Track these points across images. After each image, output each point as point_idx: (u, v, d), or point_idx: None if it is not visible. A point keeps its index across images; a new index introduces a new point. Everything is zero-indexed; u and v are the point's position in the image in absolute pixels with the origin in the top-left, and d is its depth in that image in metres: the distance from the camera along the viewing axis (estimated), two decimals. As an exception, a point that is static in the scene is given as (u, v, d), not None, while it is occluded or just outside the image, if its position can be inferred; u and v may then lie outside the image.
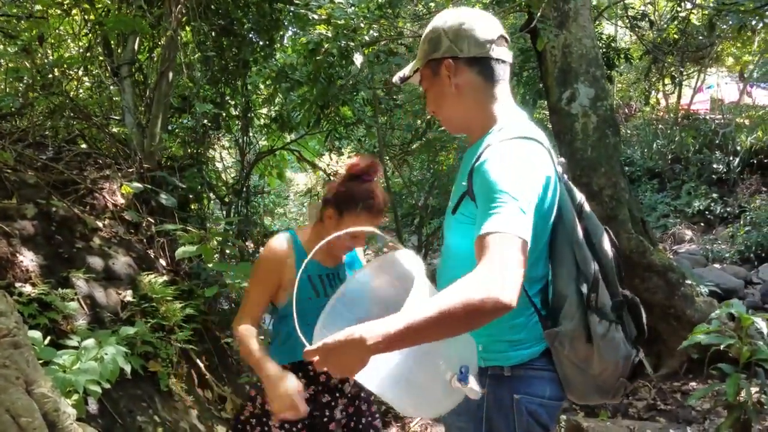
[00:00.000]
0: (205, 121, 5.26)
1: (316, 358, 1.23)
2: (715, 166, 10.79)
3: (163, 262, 3.97)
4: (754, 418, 3.00)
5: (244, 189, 6.37)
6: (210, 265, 3.61)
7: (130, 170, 4.18)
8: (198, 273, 4.03)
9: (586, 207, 1.57)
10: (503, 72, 1.54)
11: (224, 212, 6.13)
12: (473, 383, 1.31)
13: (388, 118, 7.31)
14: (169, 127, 5.33)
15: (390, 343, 1.16)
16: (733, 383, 2.95)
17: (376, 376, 1.28)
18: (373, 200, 1.99)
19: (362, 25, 4.85)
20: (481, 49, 1.50)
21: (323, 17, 4.84)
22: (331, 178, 7.57)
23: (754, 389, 3.04)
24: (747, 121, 11.92)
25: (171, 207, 4.14)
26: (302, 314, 1.92)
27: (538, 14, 4.44)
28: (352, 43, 4.69)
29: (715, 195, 10.28)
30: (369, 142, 8.00)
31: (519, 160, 1.37)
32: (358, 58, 4.65)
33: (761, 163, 10.65)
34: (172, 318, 3.30)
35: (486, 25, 1.52)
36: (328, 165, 8.66)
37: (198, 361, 3.59)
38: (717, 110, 13.03)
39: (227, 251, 4.75)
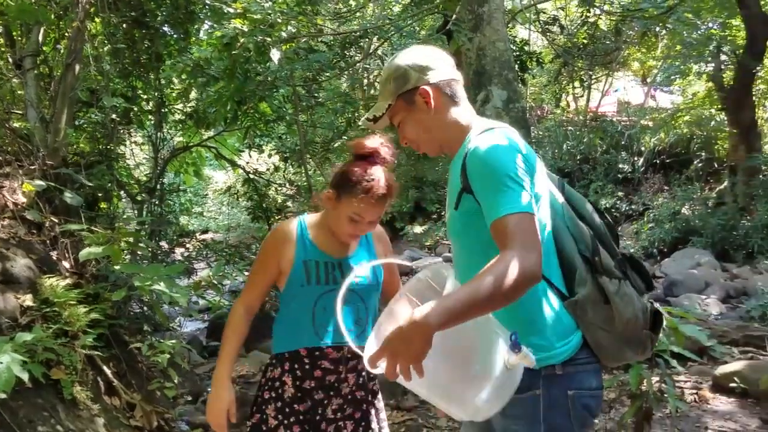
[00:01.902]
0: (114, 115, 5.04)
1: (380, 362, 1.30)
2: (621, 166, 11.36)
3: (66, 264, 3.78)
4: (655, 406, 3.19)
5: (158, 187, 6.16)
6: (118, 267, 3.45)
7: (33, 167, 3.96)
8: (105, 275, 3.86)
9: (566, 185, 1.75)
10: (461, 90, 1.72)
11: (136, 211, 5.90)
12: (525, 349, 1.32)
13: (309, 116, 7.26)
14: (76, 122, 5.08)
15: (451, 318, 1.28)
16: (635, 373, 3.10)
17: (427, 382, 1.30)
18: (372, 182, 1.85)
19: (279, 20, 4.79)
20: (443, 74, 1.68)
21: (239, 11, 4.75)
22: (251, 176, 7.44)
23: (655, 379, 3.22)
24: (651, 123, 12.60)
25: (77, 206, 3.94)
26: (297, 300, 1.93)
27: (454, 17, 4.53)
28: (268, 39, 4.62)
29: (620, 193, 10.83)
30: (291, 139, 7.93)
31: (503, 145, 1.52)
32: (275, 54, 4.59)
33: (664, 163, 11.32)
34: (77, 323, 3.14)
35: (440, 56, 1.73)
36: (247, 163, 8.50)
37: (105, 367, 3.44)
38: (623, 113, 13.70)
39: (139, 252, 4.56)
